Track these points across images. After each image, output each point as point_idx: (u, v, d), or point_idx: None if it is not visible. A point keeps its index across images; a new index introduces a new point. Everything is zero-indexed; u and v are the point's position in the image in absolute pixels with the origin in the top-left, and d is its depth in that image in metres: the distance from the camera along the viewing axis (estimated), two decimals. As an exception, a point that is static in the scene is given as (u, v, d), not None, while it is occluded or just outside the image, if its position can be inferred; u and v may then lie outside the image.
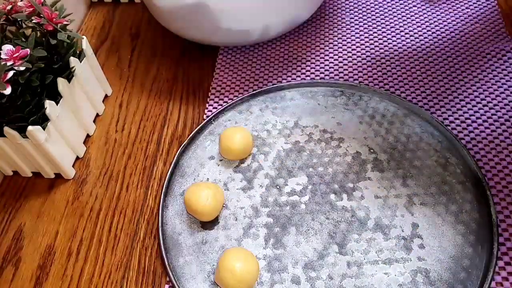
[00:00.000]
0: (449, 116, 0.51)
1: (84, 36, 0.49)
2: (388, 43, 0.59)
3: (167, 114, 0.54)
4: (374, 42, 0.60)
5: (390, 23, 0.62)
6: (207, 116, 0.52)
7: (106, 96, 0.57)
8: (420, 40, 0.59)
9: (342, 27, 0.62)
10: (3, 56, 0.39)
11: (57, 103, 0.45)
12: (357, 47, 0.59)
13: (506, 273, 0.39)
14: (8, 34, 0.44)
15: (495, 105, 0.51)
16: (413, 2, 0.65)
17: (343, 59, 0.58)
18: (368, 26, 0.62)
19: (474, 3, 0.63)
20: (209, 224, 0.44)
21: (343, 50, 0.59)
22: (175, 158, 0.48)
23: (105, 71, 0.55)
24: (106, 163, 0.50)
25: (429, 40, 0.59)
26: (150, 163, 0.50)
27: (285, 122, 0.51)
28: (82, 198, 0.47)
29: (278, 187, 0.46)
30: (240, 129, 0.47)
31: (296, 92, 0.54)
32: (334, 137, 0.49)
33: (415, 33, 0.60)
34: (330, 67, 0.57)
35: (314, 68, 0.57)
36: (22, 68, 0.39)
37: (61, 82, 0.45)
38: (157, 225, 0.44)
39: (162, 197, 0.45)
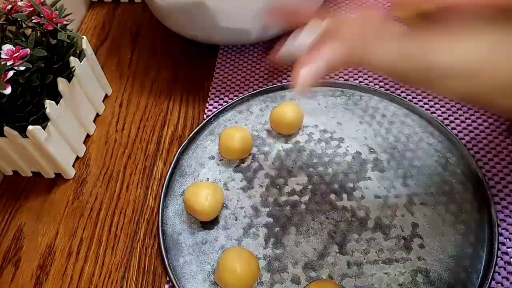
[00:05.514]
0: (449, 116, 0.51)
1: (84, 36, 0.49)
2: (388, 43, 0.59)
3: (167, 114, 0.54)
4: (374, 42, 0.60)
5: (390, 23, 0.62)
6: (207, 116, 0.52)
7: (106, 96, 0.57)
8: (420, 40, 0.59)
9: (342, 27, 0.62)
10: (3, 56, 0.39)
11: (57, 103, 0.45)
12: (357, 47, 0.59)
13: (506, 273, 0.39)
14: (8, 34, 0.44)
15: (495, 105, 0.51)
16: (413, 2, 0.65)
17: (343, 59, 0.58)
18: (368, 26, 0.62)
19: (474, 3, 0.63)
20: (209, 224, 0.44)
21: (343, 50, 0.59)
22: (175, 158, 0.48)
23: (105, 71, 0.55)
24: (106, 163, 0.50)
25: (429, 40, 0.59)
26: (150, 163, 0.50)
27: (285, 122, 0.51)
28: (82, 198, 0.47)
29: (278, 187, 0.46)
30: (239, 129, 0.47)
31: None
32: (334, 137, 0.49)
33: (415, 33, 0.60)
34: (330, 67, 0.57)
35: (314, 68, 0.57)
36: (22, 68, 0.39)
37: (61, 82, 0.45)
38: (157, 225, 0.44)
39: (162, 197, 0.45)
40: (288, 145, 0.49)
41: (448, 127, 0.49)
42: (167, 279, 0.41)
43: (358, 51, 0.31)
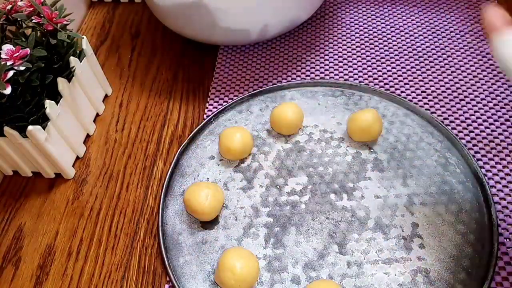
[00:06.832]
0: (449, 116, 0.51)
1: (84, 36, 0.49)
2: (388, 43, 0.59)
3: (167, 114, 0.54)
4: (374, 42, 0.60)
5: (390, 23, 0.62)
6: (207, 116, 0.52)
7: (106, 95, 0.57)
8: (420, 40, 0.59)
9: (342, 27, 0.62)
10: (3, 56, 0.39)
11: (57, 103, 0.45)
12: (357, 47, 0.59)
13: (506, 273, 0.39)
14: (8, 34, 0.44)
15: (495, 105, 0.51)
16: (413, 2, 0.65)
17: (343, 59, 0.58)
18: (368, 26, 0.62)
19: (474, 3, 0.63)
20: (209, 224, 0.44)
21: (343, 50, 0.59)
22: (175, 158, 0.48)
23: (105, 71, 0.55)
24: (106, 163, 0.50)
25: (429, 40, 0.59)
26: (150, 163, 0.50)
27: (285, 122, 0.51)
28: (82, 198, 0.47)
29: (278, 187, 0.46)
30: (239, 129, 0.47)
31: (296, 92, 0.54)
32: (334, 137, 0.49)
33: (415, 33, 0.60)
34: (330, 67, 0.57)
35: (314, 68, 0.57)
36: (22, 68, 0.39)
37: (61, 82, 0.45)
38: (157, 225, 0.44)
39: (162, 197, 0.45)
40: (288, 145, 0.49)
41: (448, 127, 0.49)
42: (167, 279, 0.41)
43: None
